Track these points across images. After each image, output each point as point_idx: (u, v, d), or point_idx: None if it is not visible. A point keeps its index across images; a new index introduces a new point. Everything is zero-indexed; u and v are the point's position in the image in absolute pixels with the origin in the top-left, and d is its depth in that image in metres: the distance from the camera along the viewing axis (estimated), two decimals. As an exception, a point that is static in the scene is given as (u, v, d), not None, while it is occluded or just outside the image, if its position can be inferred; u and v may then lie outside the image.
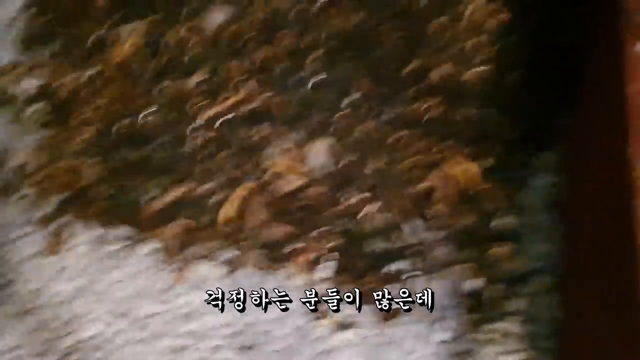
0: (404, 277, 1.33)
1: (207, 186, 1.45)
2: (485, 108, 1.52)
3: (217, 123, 1.50)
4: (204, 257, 1.38)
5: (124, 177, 1.42)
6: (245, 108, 1.52)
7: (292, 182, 1.44)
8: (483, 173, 1.45)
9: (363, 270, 1.35)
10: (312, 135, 1.54)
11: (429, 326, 1.30)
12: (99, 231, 1.38)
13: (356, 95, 1.56)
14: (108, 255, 1.35)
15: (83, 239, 1.36)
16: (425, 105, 1.54)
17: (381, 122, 1.55)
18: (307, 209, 1.43)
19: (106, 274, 1.34)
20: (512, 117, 1.52)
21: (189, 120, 1.52)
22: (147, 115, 1.46)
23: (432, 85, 1.54)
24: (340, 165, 1.49)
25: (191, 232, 1.38)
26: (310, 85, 1.56)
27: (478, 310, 1.30)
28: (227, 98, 1.52)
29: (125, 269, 1.34)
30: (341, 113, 1.55)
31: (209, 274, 1.38)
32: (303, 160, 1.48)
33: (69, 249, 1.34)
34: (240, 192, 1.42)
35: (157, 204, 1.38)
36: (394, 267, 1.35)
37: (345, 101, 1.57)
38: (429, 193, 1.44)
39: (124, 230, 1.36)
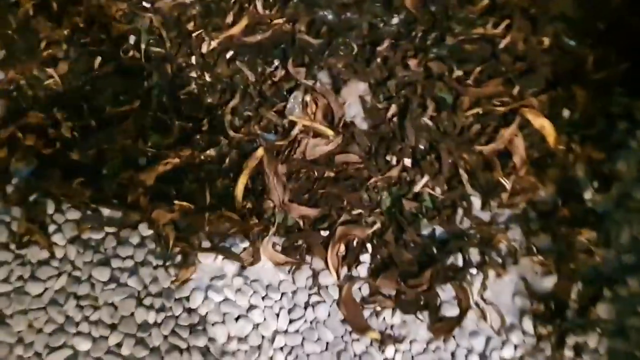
0: (464, 275, 1.04)
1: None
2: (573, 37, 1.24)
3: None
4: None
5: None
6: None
7: (320, 145, 1.13)
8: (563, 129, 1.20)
9: (411, 266, 1.05)
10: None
11: (494, 340, 1.06)
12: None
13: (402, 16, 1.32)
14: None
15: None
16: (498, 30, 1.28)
17: (437, 54, 1.28)
18: (340, 181, 1.13)
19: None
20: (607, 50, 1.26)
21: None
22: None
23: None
24: (383, 117, 1.23)
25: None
26: None
27: (557, 317, 1.06)
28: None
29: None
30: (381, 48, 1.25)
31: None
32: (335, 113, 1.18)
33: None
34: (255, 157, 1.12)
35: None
36: (451, 260, 1.06)
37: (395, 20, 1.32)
38: (498, 155, 1.19)
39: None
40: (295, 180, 1.15)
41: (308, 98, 1.18)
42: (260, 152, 1.14)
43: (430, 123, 1.19)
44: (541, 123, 1.15)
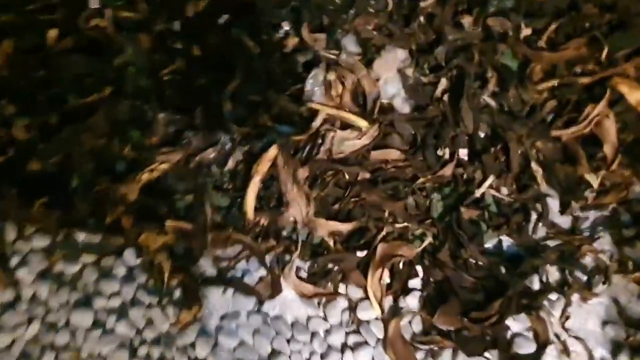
0: (541, 301, 0.84)
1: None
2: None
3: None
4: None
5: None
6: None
7: (350, 139, 0.88)
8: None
9: (474, 293, 0.84)
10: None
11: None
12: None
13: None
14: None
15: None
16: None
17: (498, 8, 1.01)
18: (378, 185, 0.90)
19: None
20: None
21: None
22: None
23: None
24: (430, 96, 0.98)
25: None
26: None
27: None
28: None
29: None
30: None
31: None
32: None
33: None
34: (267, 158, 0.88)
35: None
36: (524, 282, 0.86)
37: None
38: (582, 142, 0.95)
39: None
40: (321, 186, 0.93)
41: (332, 76, 0.93)
42: (273, 151, 0.91)
43: (492, 102, 0.98)
44: (638, 98, 0.90)
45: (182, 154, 0.94)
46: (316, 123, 0.94)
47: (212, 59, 1.01)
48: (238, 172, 0.94)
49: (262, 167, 0.94)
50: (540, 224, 0.94)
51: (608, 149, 0.93)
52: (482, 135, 0.97)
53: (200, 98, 0.98)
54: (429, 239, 0.92)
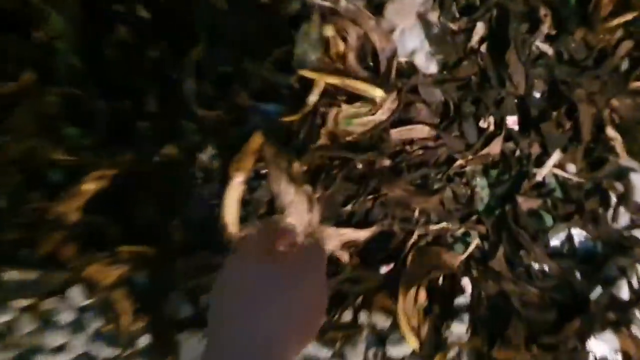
0: (632, 313, 0.63)
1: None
2: None
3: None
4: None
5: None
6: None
7: (361, 116, 0.66)
8: None
9: (544, 312, 0.63)
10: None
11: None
12: None
13: None
14: None
15: None
16: None
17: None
18: (402, 174, 0.69)
19: None
20: None
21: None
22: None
23: None
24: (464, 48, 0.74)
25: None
26: None
27: None
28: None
29: None
30: None
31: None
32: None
33: None
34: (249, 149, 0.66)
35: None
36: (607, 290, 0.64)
37: None
38: None
39: None
40: (326, 182, 0.70)
41: (329, 31, 0.69)
42: (256, 139, 0.68)
43: (548, 49, 0.73)
44: None
45: (134, 153, 0.74)
46: (313, 97, 0.69)
47: (166, 22, 0.76)
48: (212, 173, 0.75)
49: (244, 164, 0.73)
50: (623, 209, 0.72)
51: None
52: (537, 96, 0.73)
53: (152, 76, 0.76)
54: (475, 241, 0.70)
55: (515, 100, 0.73)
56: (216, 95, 0.73)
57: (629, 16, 0.74)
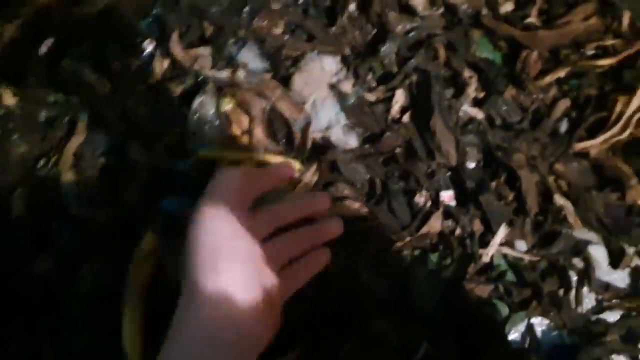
0: None
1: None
2: None
3: None
4: None
5: None
6: None
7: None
8: None
9: None
10: None
11: None
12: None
13: None
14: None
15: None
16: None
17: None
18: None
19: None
20: None
21: None
22: None
23: None
24: (384, 118, 0.66)
25: None
26: None
27: None
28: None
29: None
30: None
31: None
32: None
33: None
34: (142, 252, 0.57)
35: None
36: None
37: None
38: (623, 151, 0.66)
39: None
40: None
41: (228, 105, 0.62)
42: (149, 240, 0.58)
43: (477, 113, 0.67)
44: None
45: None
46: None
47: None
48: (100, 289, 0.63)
49: (140, 269, 0.62)
50: (586, 289, 0.63)
51: (666, 156, 0.69)
52: (472, 165, 0.65)
53: (20, 171, 0.66)
54: (422, 350, 0.58)
55: (449, 173, 0.65)
56: (100, 191, 0.63)
57: (560, 73, 0.69)
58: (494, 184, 0.65)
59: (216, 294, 0.43)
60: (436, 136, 0.66)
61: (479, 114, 0.67)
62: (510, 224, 0.65)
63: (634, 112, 0.66)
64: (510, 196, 0.65)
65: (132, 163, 0.67)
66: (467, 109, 0.68)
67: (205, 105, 0.62)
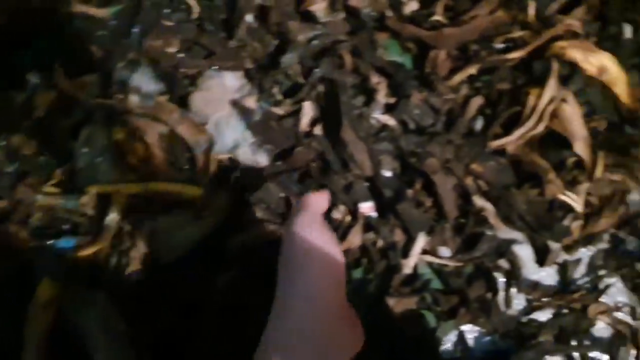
0: None
1: None
2: None
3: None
4: None
5: None
6: None
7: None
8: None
9: None
10: None
11: None
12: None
13: None
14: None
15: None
16: None
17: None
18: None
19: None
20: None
21: None
22: None
23: None
24: (293, 131, 0.63)
25: None
26: None
27: None
28: None
29: None
30: None
31: None
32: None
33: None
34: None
35: None
36: None
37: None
38: (540, 147, 0.62)
39: None
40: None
41: (120, 134, 0.58)
42: (45, 288, 0.54)
43: (388, 119, 0.64)
44: (599, 63, 0.64)
45: None
46: (112, 216, 0.56)
47: None
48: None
49: (37, 323, 0.58)
50: (514, 290, 0.61)
51: (580, 148, 0.62)
52: (388, 174, 0.62)
53: None
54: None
55: (365, 183, 0.62)
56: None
57: (471, 70, 0.66)
58: (411, 191, 0.63)
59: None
60: (348, 146, 0.62)
61: (390, 121, 0.64)
62: (431, 230, 0.62)
63: (547, 105, 0.66)
64: (429, 202, 0.63)
65: (22, 205, 0.63)
66: (379, 116, 0.65)
67: (94, 137, 0.59)
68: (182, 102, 0.64)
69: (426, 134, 0.65)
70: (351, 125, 0.64)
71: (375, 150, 0.64)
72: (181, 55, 0.65)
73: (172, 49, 0.65)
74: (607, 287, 0.66)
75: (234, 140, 0.64)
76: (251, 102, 0.65)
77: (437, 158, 0.63)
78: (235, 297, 0.56)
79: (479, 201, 0.63)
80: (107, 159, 0.59)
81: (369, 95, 0.66)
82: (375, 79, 0.66)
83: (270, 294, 0.53)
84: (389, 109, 0.66)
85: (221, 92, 0.64)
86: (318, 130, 0.65)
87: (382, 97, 0.65)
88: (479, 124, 0.68)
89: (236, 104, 0.65)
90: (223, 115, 0.64)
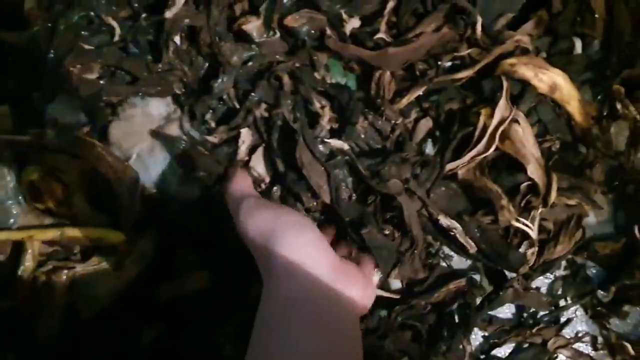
0: None
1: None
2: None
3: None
4: None
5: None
6: None
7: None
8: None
9: None
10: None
11: None
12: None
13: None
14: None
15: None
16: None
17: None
18: None
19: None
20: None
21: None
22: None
23: None
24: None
25: None
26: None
27: None
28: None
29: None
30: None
31: None
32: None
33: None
34: None
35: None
36: None
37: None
38: (491, 170, 0.60)
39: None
40: None
41: (33, 174, 0.53)
42: None
43: (342, 144, 0.59)
44: (551, 80, 0.62)
45: None
46: (26, 265, 0.51)
47: None
48: None
49: None
50: (471, 325, 0.59)
51: (533, 171, 0.59)
52: (344, 196, 0.58)
53: None
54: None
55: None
56: None
57: (418, 91, 0.63)
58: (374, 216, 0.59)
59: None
60: (304, 169, 0.56)
61: (344, 145, 0.57)
62: (398, 261, 0.57)
63: (498, 125, 0.64)
64: (397, 233, 0.58)
65: None
66: (330, 141, 0.58)
67: (3, 178, 0.53)
68: (103, 134, 0.58)
69: (380, 154, 0.59)
70: (299, 152, 0.57)
71: (333, 173, 0.58)
72: (102, 81, 0.59)
73: (92, 75, 0.59)
74: (568, 321, 0.64)
75: (159, 173, 0.58)
76: (174, 129, 0.59)
77: (398, 178, 0.58)
78: (162, 354, 0.53)
79: (445, 221, 0.59)
80: (16, 204, 0.55)
81: (313, 119, 0.60)
82: (317, 103, 0.60)
83: (203, 351, 0.49)
84: (334, 134, 0.61)
85: (143, 122, 0.59)
86: (258, 156, 0.62)
87: (326, 119, 0.60)
88: (429, 148, 0.65)
89: (158, 134, 0.59)
90: (145, 148, 0.58)
